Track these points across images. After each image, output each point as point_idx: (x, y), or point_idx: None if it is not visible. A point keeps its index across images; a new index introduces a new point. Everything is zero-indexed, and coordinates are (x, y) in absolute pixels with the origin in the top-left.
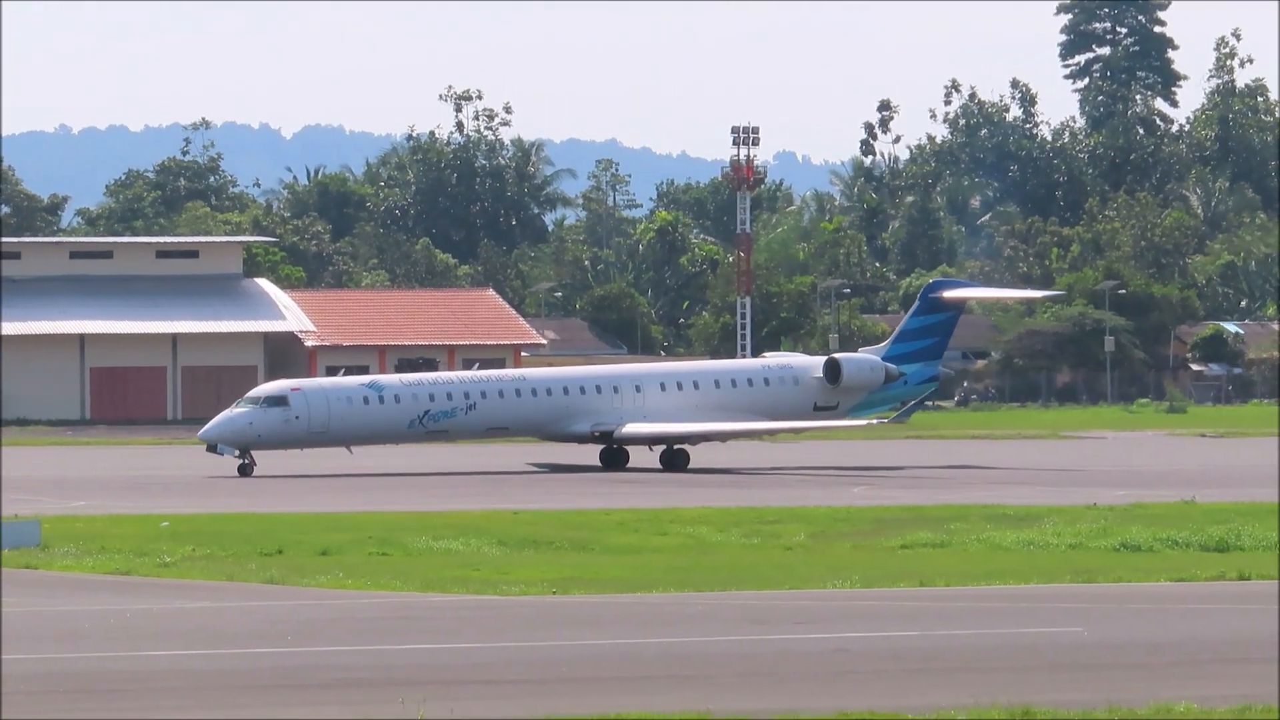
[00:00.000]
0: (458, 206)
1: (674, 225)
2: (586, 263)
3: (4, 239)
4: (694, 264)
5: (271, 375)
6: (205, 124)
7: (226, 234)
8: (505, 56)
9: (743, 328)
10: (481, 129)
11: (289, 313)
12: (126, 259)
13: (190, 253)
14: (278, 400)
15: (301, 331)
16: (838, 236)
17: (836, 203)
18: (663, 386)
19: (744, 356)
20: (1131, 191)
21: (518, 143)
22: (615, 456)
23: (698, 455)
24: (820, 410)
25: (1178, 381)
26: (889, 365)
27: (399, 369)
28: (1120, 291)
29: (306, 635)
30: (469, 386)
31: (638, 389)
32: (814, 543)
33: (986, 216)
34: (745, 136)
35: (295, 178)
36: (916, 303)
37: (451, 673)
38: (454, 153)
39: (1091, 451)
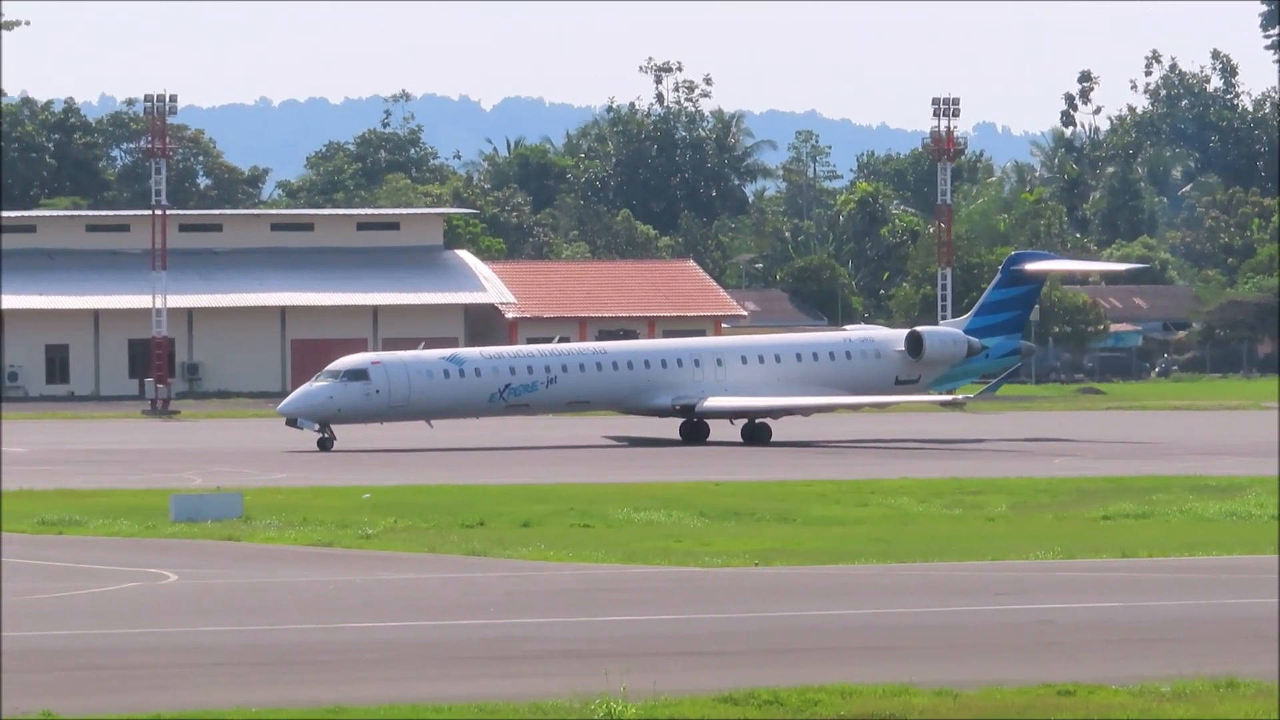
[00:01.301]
0: (658, 178)
1: (874, 196)
2: (787, 234)
3: (206, 211)
4: (894, 235)
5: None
6: (405, 96)
7: (427, 206)
8: (705, 27)
9: (943, 299)
10: (681, 100)
11: (489, 284)
12: (327, 231)
13: (391, 225)
14: (358, 374)
15: (502, 303)
16: (1038, 207)
17: (1037, 174)
18: (744, 360)
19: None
20: None
21: (718, 114)
22: (696, 430)
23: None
24: (902, 384)
25: None
26: (971, 338)
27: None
28: None
29: (509, 607)
30: (549, 360)
31: (719, 362)
32: (1015, 514)
33: (1187, 187)
34: (945, 108)
35: (495, 149)
36: (998, 275)
37: (653, 645)
38: (654, 124)
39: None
